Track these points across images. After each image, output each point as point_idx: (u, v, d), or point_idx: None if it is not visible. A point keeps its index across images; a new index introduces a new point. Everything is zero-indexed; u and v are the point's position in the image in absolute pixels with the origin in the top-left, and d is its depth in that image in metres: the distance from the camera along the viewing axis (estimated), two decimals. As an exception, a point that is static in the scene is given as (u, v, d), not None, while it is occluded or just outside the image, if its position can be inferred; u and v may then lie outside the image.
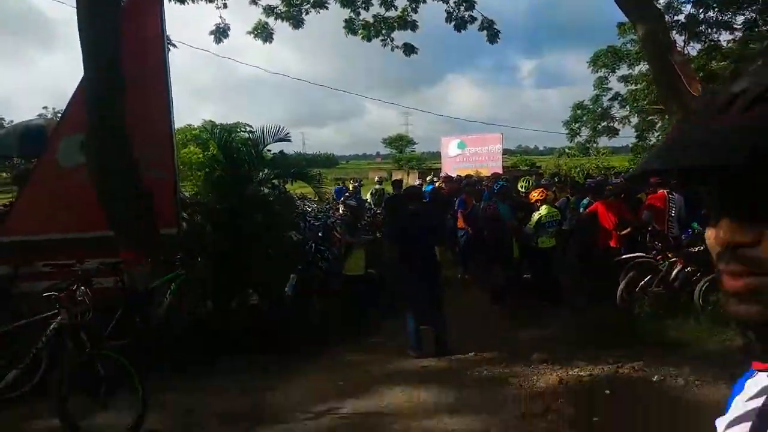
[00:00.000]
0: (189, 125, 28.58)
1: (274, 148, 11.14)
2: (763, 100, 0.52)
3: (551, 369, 5.35)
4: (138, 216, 6.36)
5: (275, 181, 9.62)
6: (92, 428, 4.10)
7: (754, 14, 16.08)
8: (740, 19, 16.42)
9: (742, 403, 0.72)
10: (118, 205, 6.29)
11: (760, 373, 0.73)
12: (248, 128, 16.58)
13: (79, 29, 6.16)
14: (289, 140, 8.82)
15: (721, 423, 0.74)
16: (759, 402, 0.68)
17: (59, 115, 7.29)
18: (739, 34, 22.51)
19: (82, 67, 6.28)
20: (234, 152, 8.43)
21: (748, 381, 0.74)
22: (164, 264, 6.28)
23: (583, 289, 8.71)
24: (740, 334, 0.71)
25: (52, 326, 4.70)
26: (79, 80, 6.55)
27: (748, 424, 0.68)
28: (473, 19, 11.95)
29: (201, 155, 13.79)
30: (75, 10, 6.21)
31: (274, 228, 7.92)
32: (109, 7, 6.32)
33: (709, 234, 0.62)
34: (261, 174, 8.71)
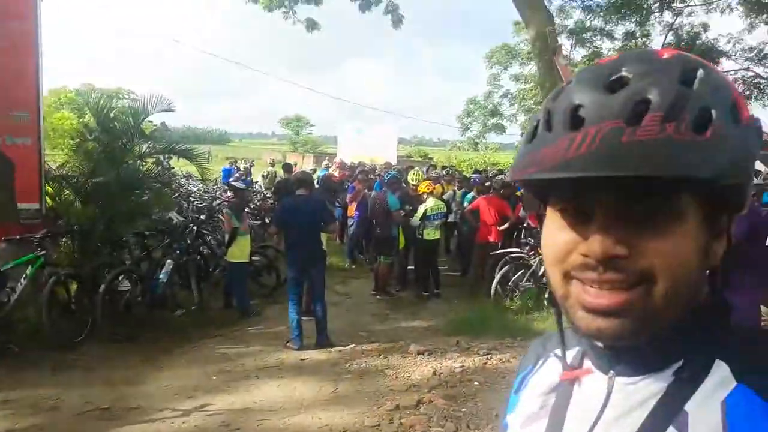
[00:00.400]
0: (64, 86, 26.31)
1: (159, 120, 10.51)
2: (673, 119, 0.53)
3: (427, 360, 5.53)
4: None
5: (159, 157, 9.05)
6: None
7: (633, 26, 17.46)
8: (621, 29, 17.76)
9: (533, 399, 0.71)
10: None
11: (543, 368, 0.73)
12: (132, 96, 15.49)
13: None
14: (172, 110, 8.29)
15: (514, 420, 0.73)
16: (551, 398, 0.68)
17: None
18: (618, 43, 24.49)
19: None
20: (111, 121, 7.80)
21: (532, 378, 0.74)
22: (21, 243, 5.70)
23: (463, 282, 9.11)
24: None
25: None
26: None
27: (544, 421, 0.67)
28: (378, 1, 11.93)
29: (75, 121, 12.71)
30: None
31: (152, 208, 7.46)
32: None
33: (561, 242, 0.60)
34: (141, 148, 8.15)
